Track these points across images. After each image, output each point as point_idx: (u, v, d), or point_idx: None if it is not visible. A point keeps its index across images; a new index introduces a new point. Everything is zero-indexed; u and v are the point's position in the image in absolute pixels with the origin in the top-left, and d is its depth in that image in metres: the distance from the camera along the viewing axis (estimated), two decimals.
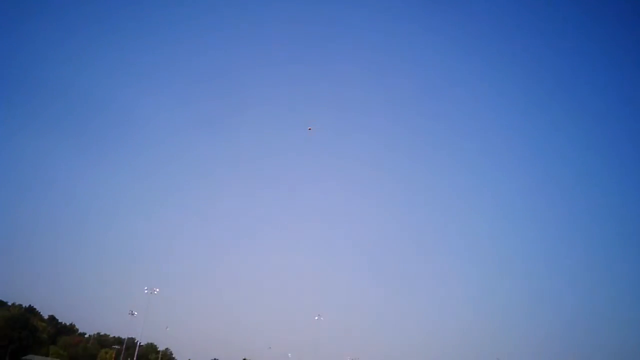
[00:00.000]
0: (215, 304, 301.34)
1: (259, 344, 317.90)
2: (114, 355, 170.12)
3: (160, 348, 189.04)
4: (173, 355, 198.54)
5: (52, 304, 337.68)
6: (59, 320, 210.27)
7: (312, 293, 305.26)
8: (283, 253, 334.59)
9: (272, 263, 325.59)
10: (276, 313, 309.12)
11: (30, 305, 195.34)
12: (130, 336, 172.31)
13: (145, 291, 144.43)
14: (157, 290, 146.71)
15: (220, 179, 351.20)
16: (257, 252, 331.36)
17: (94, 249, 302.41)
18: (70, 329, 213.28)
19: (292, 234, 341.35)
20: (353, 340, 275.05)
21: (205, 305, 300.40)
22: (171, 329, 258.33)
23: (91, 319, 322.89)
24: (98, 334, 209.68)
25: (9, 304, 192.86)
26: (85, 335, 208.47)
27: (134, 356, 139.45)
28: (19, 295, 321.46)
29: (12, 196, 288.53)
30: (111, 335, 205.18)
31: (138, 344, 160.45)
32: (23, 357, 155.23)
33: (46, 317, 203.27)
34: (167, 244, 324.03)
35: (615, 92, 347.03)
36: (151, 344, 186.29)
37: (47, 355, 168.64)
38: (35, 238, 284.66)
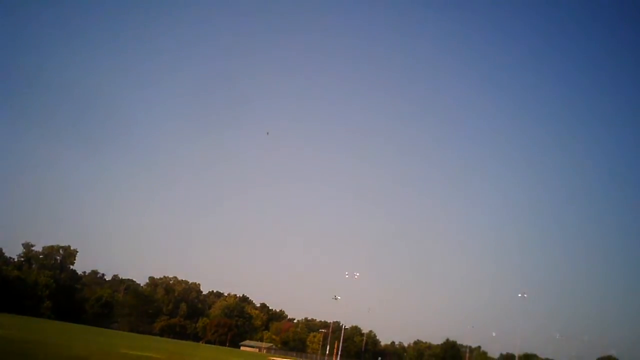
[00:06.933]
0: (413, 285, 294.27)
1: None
2: (321, 339, 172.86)
3: (364, 330, 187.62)
4: (377, 337, 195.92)
5: (262, 292, 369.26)
6: (270, 307, 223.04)
7: None
8: None
9: None
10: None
11: (243, 294, 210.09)
12: (335, 320, 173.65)
13: (346, 276, 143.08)
14: (357, 274, 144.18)
15: None
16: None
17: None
18: (281, 315, 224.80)
19: None
20: None
21: (402, 287, 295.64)
22: (372, 311, 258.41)
23: (299, 305, 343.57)
24: (305, 319, 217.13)
25: (225, 294, 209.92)
26: (294, 321, 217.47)
27: (340, 339, 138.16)
28: (234, 286, 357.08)
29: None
30: (317, 320, 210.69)
31: (343, 327, 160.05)
32: (241, 343, 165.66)
33: (258, 305, 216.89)
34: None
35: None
36: (355, 326, 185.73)
37: (261, 340, 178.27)
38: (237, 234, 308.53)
